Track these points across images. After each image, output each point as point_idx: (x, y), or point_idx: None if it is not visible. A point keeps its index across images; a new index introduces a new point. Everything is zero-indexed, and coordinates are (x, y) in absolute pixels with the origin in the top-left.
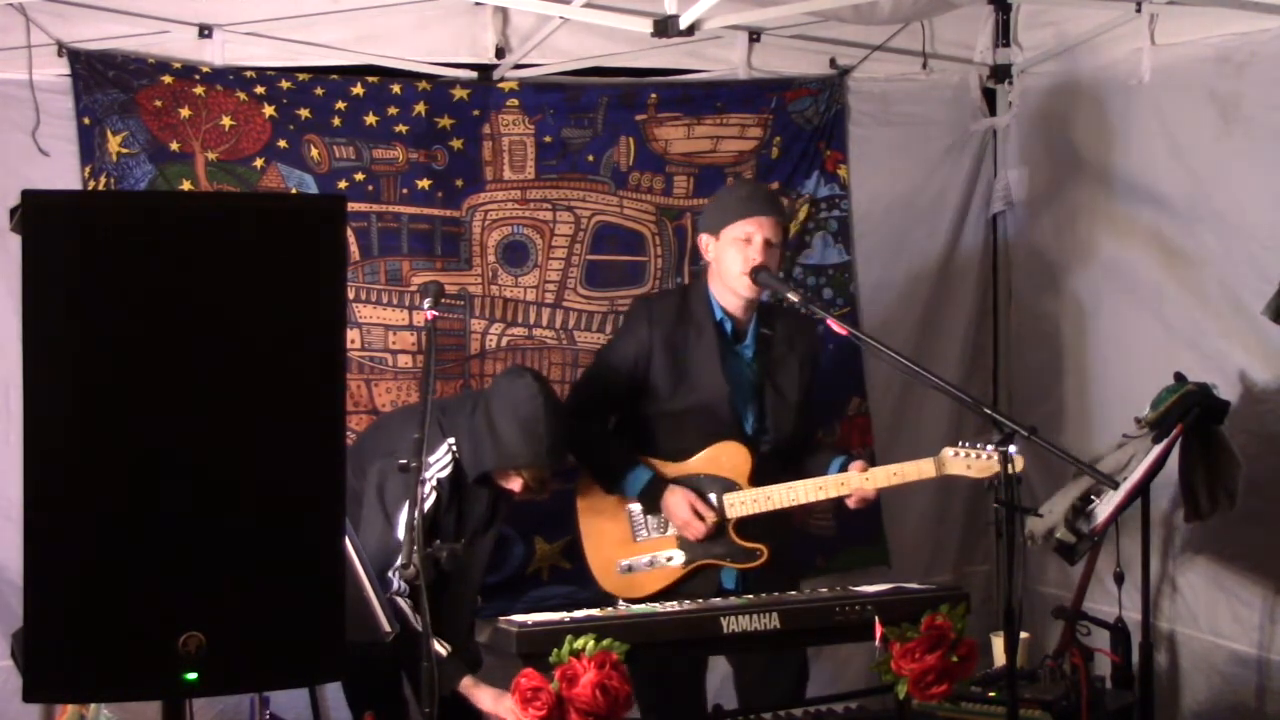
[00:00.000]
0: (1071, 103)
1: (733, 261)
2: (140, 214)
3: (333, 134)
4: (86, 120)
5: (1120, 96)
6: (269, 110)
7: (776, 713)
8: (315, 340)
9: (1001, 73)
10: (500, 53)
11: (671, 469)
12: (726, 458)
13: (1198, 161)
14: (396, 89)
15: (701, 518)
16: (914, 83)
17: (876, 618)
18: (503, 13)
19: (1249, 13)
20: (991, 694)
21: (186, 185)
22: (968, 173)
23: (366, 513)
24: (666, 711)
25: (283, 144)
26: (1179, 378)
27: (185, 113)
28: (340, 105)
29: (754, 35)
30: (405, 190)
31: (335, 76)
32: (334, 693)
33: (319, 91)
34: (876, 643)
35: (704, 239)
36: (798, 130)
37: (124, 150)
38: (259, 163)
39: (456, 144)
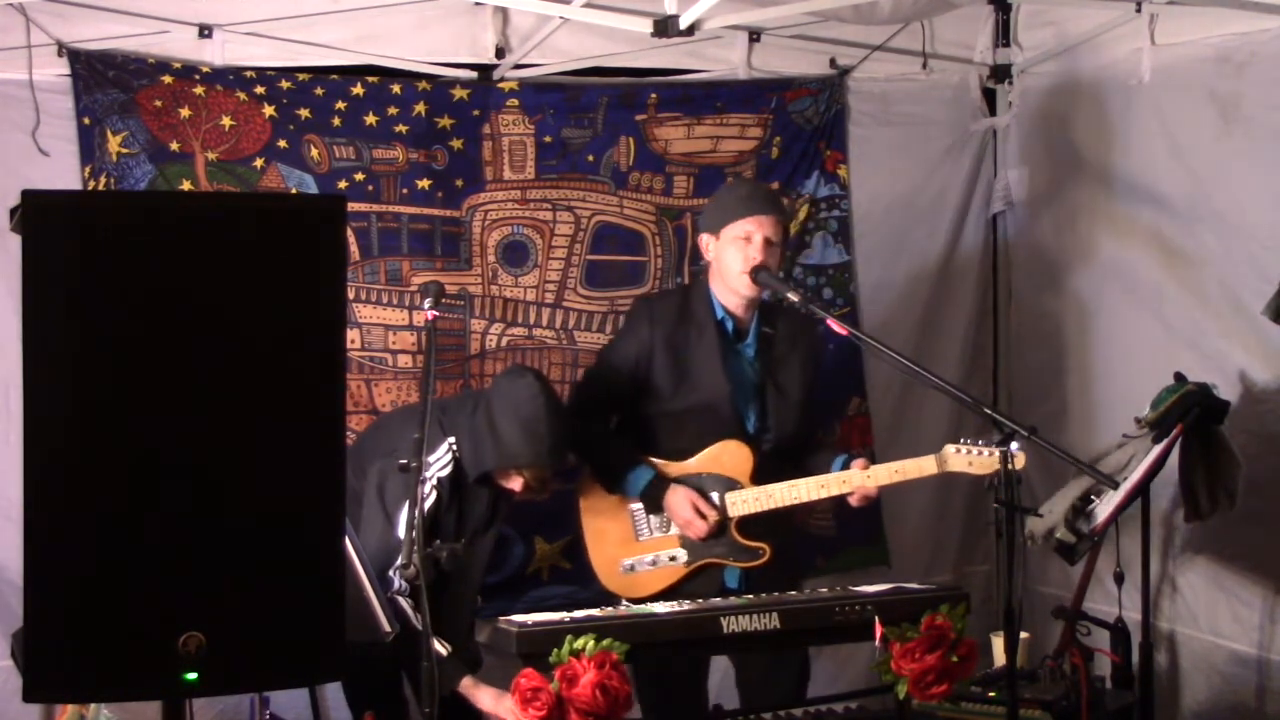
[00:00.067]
0: (1071, 103)
1: (733, 260)
2: (140, 214)
3: (333, 134)
4: (86, 120)
5: (1120, 96)
6: (269, 110)
7: (777, 713)
8: (315, 340)
9: (1001, 73)
10: (500, 53)
11: (673, 468)
12: (728, 457)
13: (1198, 161)
14: (396, 89)
15: (704, 516)
16: (914, 83)
17: (876, 618)
18: (503, 13)
19: (1249, 13)
20: (991, 694)
21: (186, 185)
22: (968, 173)
23: (367, 512)
24: (667, 711)
25: (283, 144)
26: (1179, 378)
27: (185, 113)
28: (340, 105)
29: (754, 35)
30: (405, 190)
31: (335, 76)
32: (334, 693)
33: (319, 91)
34: (876, 643)
35: (704, 238)
36: (798, 130)
37: (124, 150)
38: (259, 163)
39: (456, 144)
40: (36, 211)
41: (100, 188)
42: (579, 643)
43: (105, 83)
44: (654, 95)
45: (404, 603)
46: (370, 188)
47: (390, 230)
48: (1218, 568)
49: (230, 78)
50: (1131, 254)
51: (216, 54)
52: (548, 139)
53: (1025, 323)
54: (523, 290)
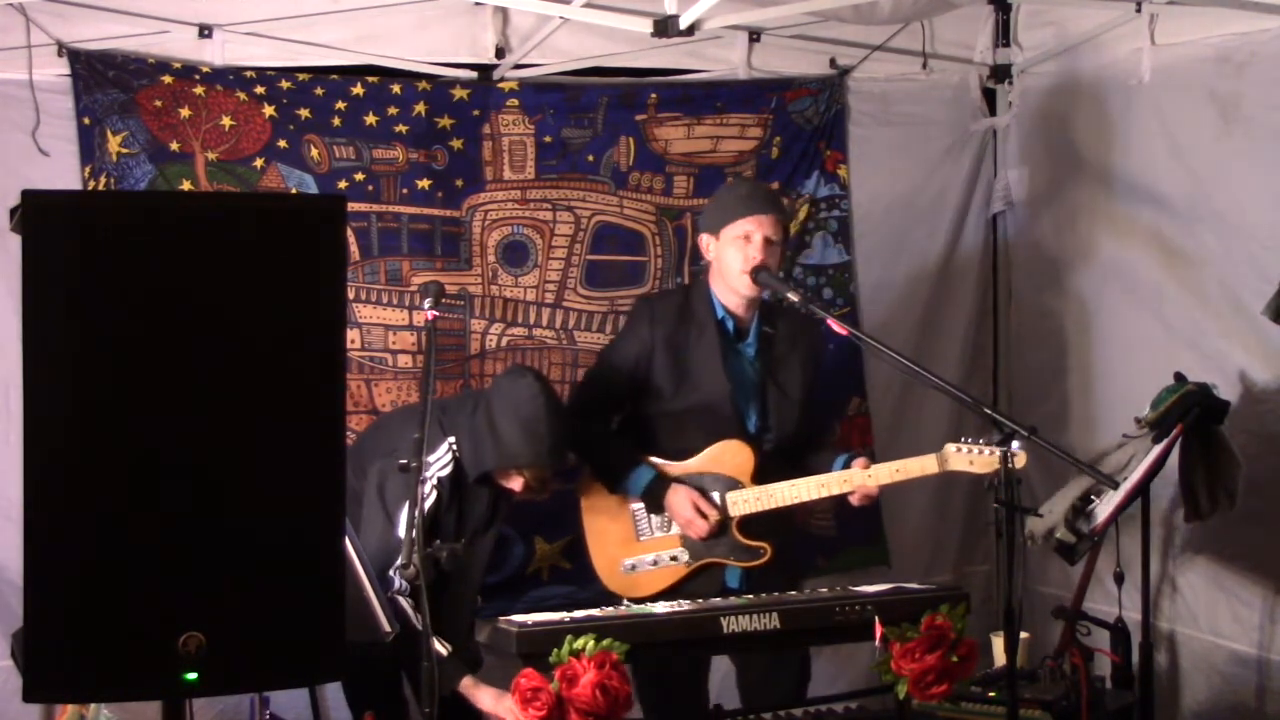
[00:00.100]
0: (1071, 103)
1: (733, 260)
2: (140, 214)
3: (333, 134)
4: (86, 120)
5: (1120, 96)
6: (269, 110)
7: (777, 713)
8: (315, 340)
9: (1001, 73)
10: (500, 53)
11: (674, 468)
12: (729, 456)
13: (1198, 161)
14: (396, 89)
15: (704, 516)
16: (914, 83)
17: (876, 618)
18: (503, 13)
19: (1249, 13)
20: (991, 694)
21: (186, 185)
22: (968, 173)
23: (367, 512)
24: (668, 711)
25: (283, 144)
26: (1179, 378)
27: (185, 113)
28: (340, 105)
29: (754, 35)
30: (405, 190)
31: (335, 76)
32: (334, 693)
33: (319, 91)
34: (876, 643)
35: (704, 239)
36: (798, 130)
37: (124, 150)
38: (259, 163)
39: (456, 144)
40: (36, 211)
41: (100, 188)
42: (579, 643)
43: (105, 83)
44: (654, 95)
45: (404, 603)
46: (370, 188)
47: (390, 230)
48: (1218, 568)
49: (230, 78)
50: (1131, 254)
51: (216, 54)
52: (548, 139)
53: (1025, 323)
54: (523, 290)
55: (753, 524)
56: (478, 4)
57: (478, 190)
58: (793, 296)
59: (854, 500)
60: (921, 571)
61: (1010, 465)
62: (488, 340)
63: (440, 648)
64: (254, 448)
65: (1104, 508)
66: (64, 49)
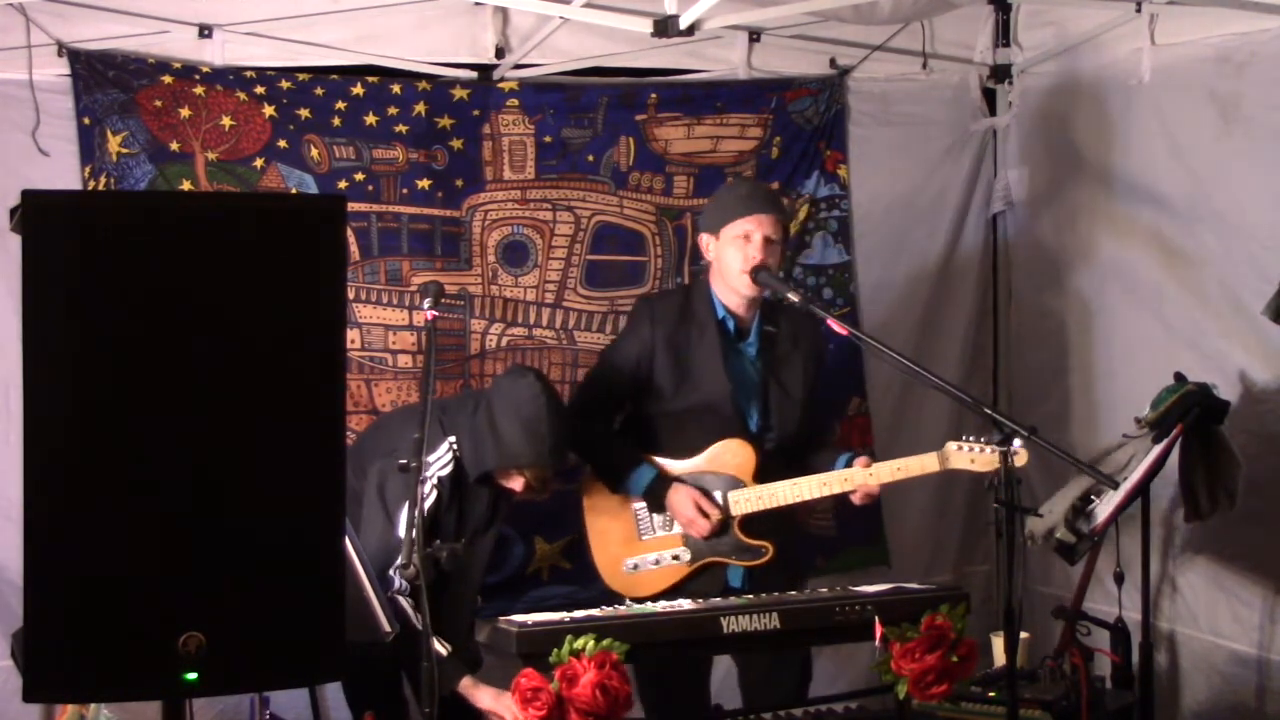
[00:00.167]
0: (1071, 103)
1: (733, 260)
2: (140, 214)
3: (333, 134)
4: (86, 120)
5: (1120, 96)
6: (269, 110)
7: (777, 713)
8: (315, 340)
9: (1001, 73)
10: (500, 53)
11: (676, 467)
12: (731, 455)
13: (1198, 161)
14: (396, 89)
15: (706, 515)
16: (914, 83)
17: (876, 618)
18: (503, 13)
19: (1249, 13)
20: (991, 694)
21: (186, 185)
22: (968, 173)
23: (367, 512)
24: (669, 711)
25: (283, 144)
26: (1179, 378)
27: (185, 113)
28: (340, 105)
29: (754, 35)
30: (405, 190)
31: (335, 76)
32: (334, 693)
33: (319, 91)
34: (876, 643)
35: (704, 239)
36: (798, 130)
37: (124, 150)
38: (259, 163)
39: (456, 144)
40: (36, 211)
41: (100, 188)
42: (579, 643)
43: (105, 83)
44: (654, 95)
45: (404, 603)
46: (370, 188)
47: (390, 230)
48: (1218, 568)
49: (230, 78)
50: (1131, 254)
51: (216, 54)
52: (548, 139)
53: (1025, 323)
54: (523, 290)
55: (754, 523)
56: (478, 4)
57: (478, 190)
58: (793, 297)
59: (855, 499)
60: (921, 571)
61: (1010, 464)
62: (488, 340)
63: (440, 648)
64: (254, 448)
65: (1104, 508)
66: (64, 49)
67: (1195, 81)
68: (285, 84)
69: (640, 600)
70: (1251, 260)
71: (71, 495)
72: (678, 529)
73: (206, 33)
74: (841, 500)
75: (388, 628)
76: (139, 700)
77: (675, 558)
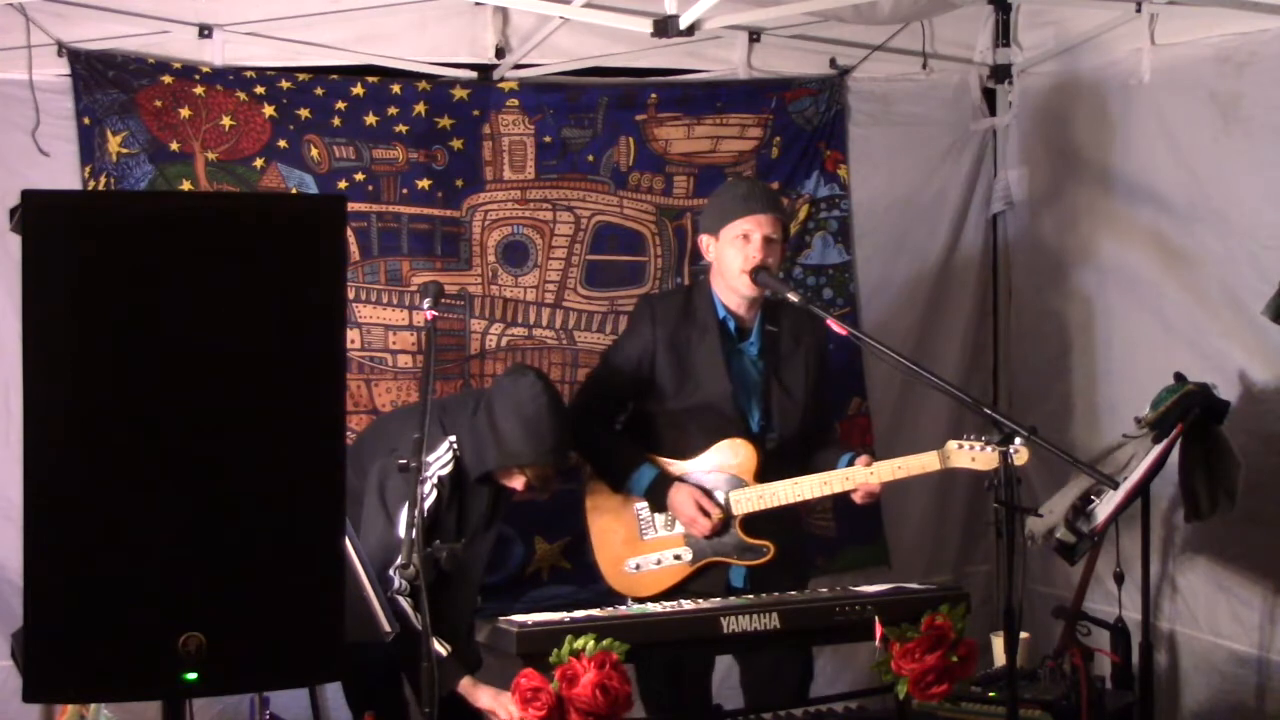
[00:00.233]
0: (1071, 103)
1: (733, 260)
2: (140, 214)
3: (333, 134)
4: (86, 120)
5: (1120, 96)
6: (269, 110)
7: (777, 713)
8: (315, 340)
9: (1001, 73)
10: (500, 53)
11: (677, 467)
12: (732, 455)
13: (1198, 161)
14: (396, 89)
15: (707, 514)
16: (914, 83)
17: (876, 618)
18: (503, 13)
19: (1249, 13)
20: (991, 694)
21: (186, 185)
22: (968, 173)
23: (367, 512)
24: (670, 710)
25: (283, 144)
26: (1179, 378)
27: (185, 113)
28: (340, 105)
29: (754, 35)
30: (405, 190)
31: (335, 76)
32: (334, 693)
33: (319, 91)
34: (876, 643)
35: (704, 240)
36: (798, 130)
37: (124, 150)
38: (259, 163)
39: (456, 144)
40: (36, 211)
41: (100, 188)
42: (579, 643)
43: (105, 83)
44: (654, 95)
45: (404, 603)
46: (370, 188)
47: (390, 230)
48: (1218, 568)
49: (230, 78)
50: (1131, 254)
51: (216, 54)
52: (548, 139)
53: (1025, 322)
54: (523, 290)
55: (756, 523)
56: (478, 4)
57: (478, 190)
58: (792, 297)
59: (857, 498)
60: (921, 571)
61: (1010, 464)
62: (488, 340)
63: (440, 648)
64: (254, 448)
65: (1104, 508)
66: (64, 49)
67: (1195, 81)
68: (285, 84)
69: (642, 600)
70: (1251, 260)
71: (71, 495)
72: (679, 529)
73: (206, 33)
74: (842, 500)
75: (388, 628)
76: (139, 700)
77: (677, 557)
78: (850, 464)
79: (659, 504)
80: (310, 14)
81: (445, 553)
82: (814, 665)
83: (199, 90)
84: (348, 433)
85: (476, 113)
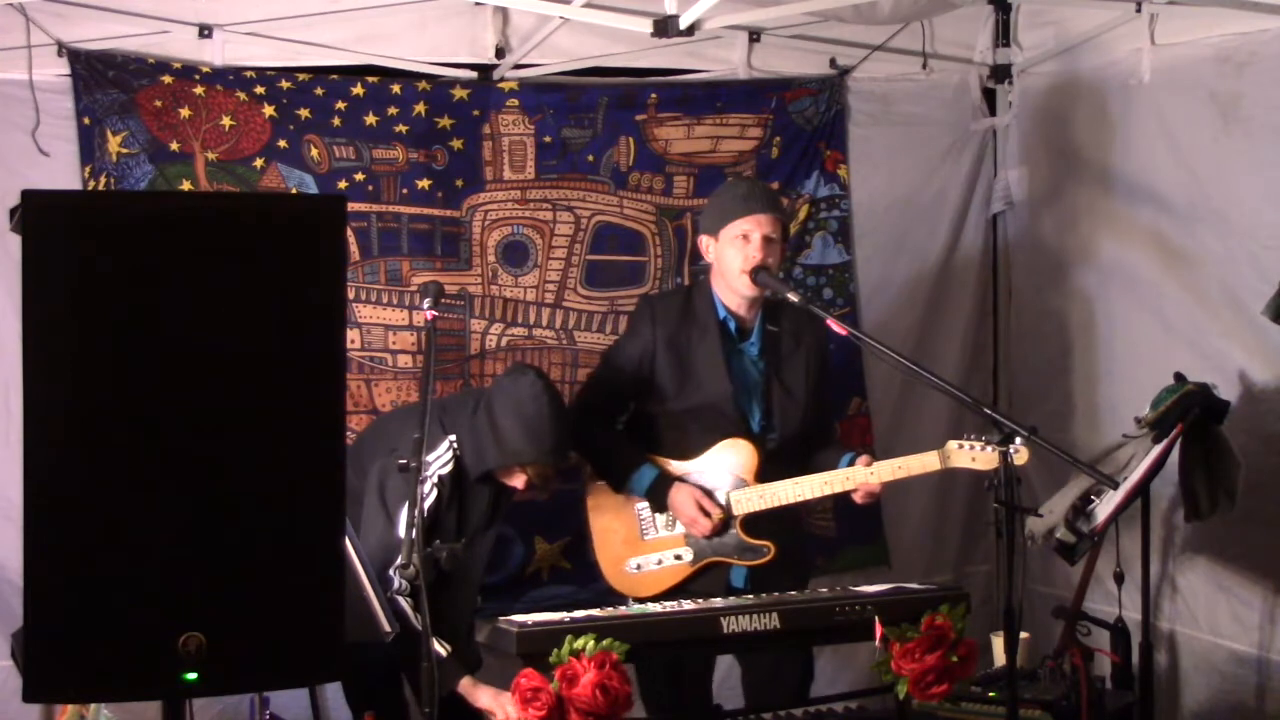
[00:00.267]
0: (1071, 103)
1: (733, 260)
2: (140, 214)
3: (333, 134)
4: (86, 120)
5: (1120, 96)
6: (269, 110)
7: (777, 713)
8: (315, 340)
9: (1001, 73)
10: (500, 53)
11: (678, 467)
12: (733, 455)
13: (1198, 161)
14: (396, 89)
15: (708, 514)
16: (914, 83)
17: (876, 618)
18: (503, 13)
19: (1249, 13)
20: (991, 694)
21: (186, 185)
22: (968, 173)
23: (367, 512)
24: (671, 710)
25: (283, 144)
26: (1179, 378)
27: (185, 113)
28: (340, 105)
29: (754, 35)
30: (405, 190)
31: (335, 76)
32: (334, 693)
33: (319, 91)
34: (876, 643)
35: (704, 241)
36: (798, 130)
37: (124, 150)
38: (259, 163)
39: (456, 144)
40: (36, 211)
41: (100, 188)
42: (579, 643)
43: (105, 83)
44: (654, 95)
45: (404, 603)
46: (370, 188)
47: (390, 230)
48: (1218, 568)
49: (230, 78)
50: (1131, 254)
51: (216, 54)
52: (548, 139)
53: (1025, 322)
54: (523, 290)
55: (757, 523)
56: (478, 4)
57: (478, 190)
58: (792, 296)
59: (857, 498)
60: (921, 571)
61: (1011, 464)
62: (488, 340)
63: (440, 648)
64: (254, 447)
65: (1104, 508)
66: (64, 49)
67: (1195, 81)
68: (285, 84)
69: (643, 600)
70: (1251, 260)
71: (71, 495)
72: (680, 529)
73: (206, 33)
74: (842, 500)
75: (388, 628)
76: (139, 700)
77: (678, 558)
78: (851, 464)
79: (659, 504)
80: (310, 14)
81: (445, 553)
82: (815, 664)
83: (199, 90)
84: (348, 433)
85: (476, 113)
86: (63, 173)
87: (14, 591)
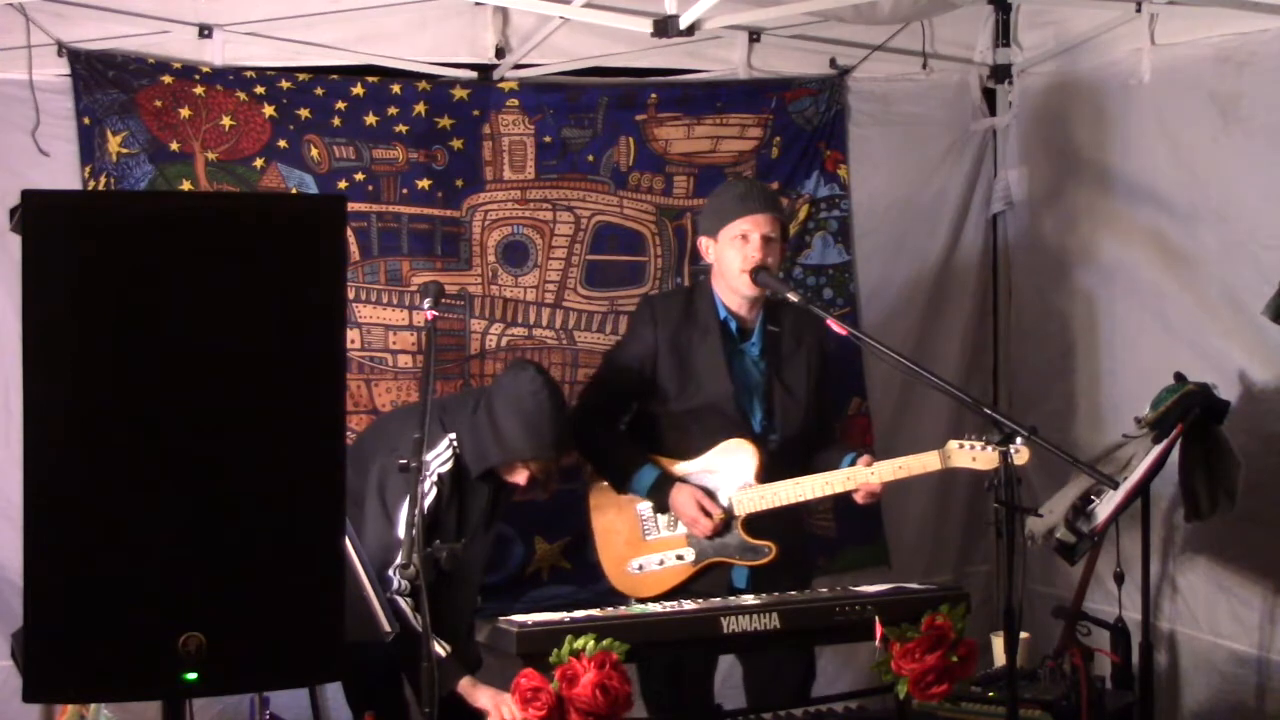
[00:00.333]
0: (1071, 103)
1: (732, 261)
2: (140, 214)
3: (333, 134)
4: (86, 120)
5: (1120, 96)
6: (269, 110)
7: (777, 713)
8: (315, 340)
9: (1001, 73)
10: (500, 53)
11: (680, 468)
12: (734, 455)
13: (1198, 161)
14: (396, 89)
15: (709, 515)
16: (914, 83)
17: (876, 618)
18: (503, 13)
19: (1249, 13)
20: (991, 694)
21: (186, 185)
22: (968, 173)
23: (367, 512)
24: (672, 710)
25: (283, 144)
26: (1179, 378)
27: (185, 113)
28: (340, 105)
29: (754, 35)
30: (405, 190)
31: (335, 76)
32: (334, 693)
33: (319, 91)
34: (876, 643)
35: (703, 242)
36: (798, 130)
37: (124, 150)
38: (259, 163)
39: (456, 144)
40: (36, 211)
41: (100, 188)
42: (579, 643)
43: (105, 83)
44: (654, 95)
45: (403, 603)
46: (370, 188)
47: (390, 230)
48: (1218, 568)
49: (230, 78)
50: (1132, 254)
51: (216, 54)
52: (548, 139)
53: (1025, 323)
54: (523, 290)
55: (758, 523)
56: (478, 4)
57: (478, 190)
58: (792, 296)
59: (858, 498)
60: (921, 571)
61: (1011, 464)
62: (488, 340)
63: (439, 648)
64: (254, 447)
65: (1104, 508)
66: (64, 49)
67: (1195, 81)
68: (285, 84)
69: (645, 600)
70: (1251, 260)
71: (71, 495)
72: (682, 529)
73: (206, 33)
74: (842, 500)
75: (388, 628)
76: (139, 700)
77: (679, 558)
78: (852, 464)
79: (661, 505)
80: (310, 14)
81: (445, 553)
82: (816, 664)
83: (199, 90)
84: (348, 433)
85: (476, 113)
86: (63, 173)
87: (14, 591)
